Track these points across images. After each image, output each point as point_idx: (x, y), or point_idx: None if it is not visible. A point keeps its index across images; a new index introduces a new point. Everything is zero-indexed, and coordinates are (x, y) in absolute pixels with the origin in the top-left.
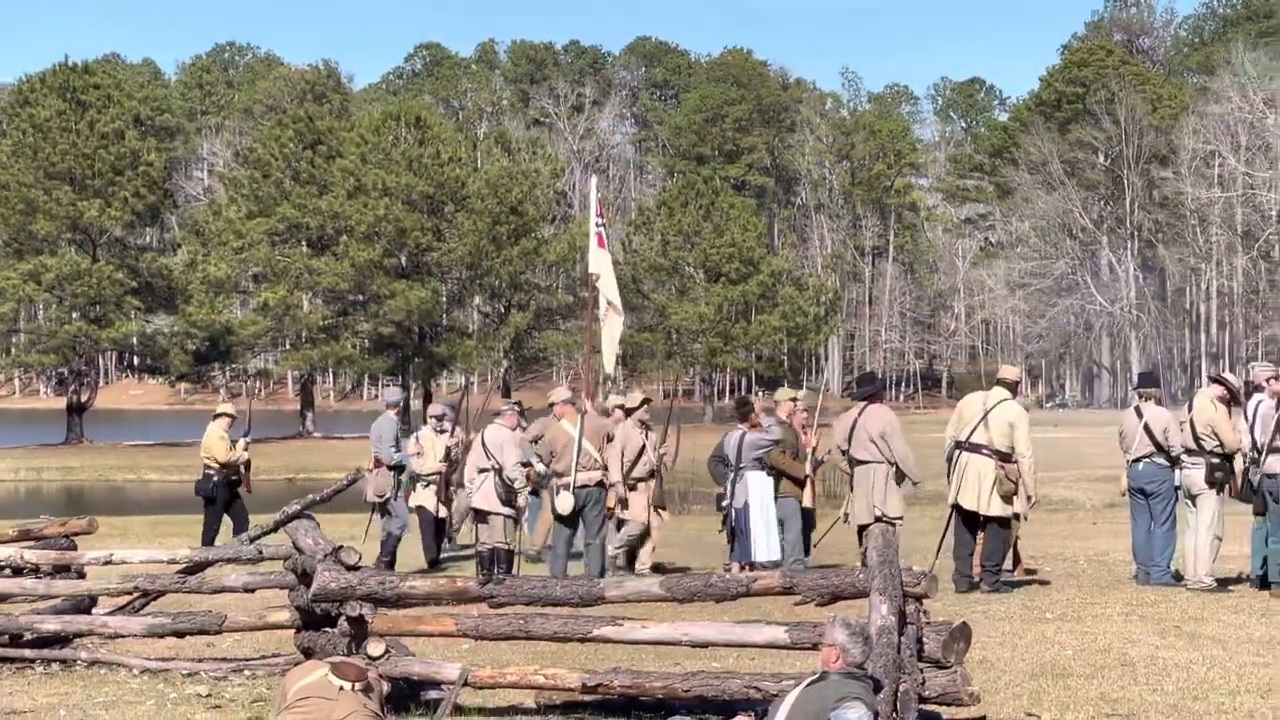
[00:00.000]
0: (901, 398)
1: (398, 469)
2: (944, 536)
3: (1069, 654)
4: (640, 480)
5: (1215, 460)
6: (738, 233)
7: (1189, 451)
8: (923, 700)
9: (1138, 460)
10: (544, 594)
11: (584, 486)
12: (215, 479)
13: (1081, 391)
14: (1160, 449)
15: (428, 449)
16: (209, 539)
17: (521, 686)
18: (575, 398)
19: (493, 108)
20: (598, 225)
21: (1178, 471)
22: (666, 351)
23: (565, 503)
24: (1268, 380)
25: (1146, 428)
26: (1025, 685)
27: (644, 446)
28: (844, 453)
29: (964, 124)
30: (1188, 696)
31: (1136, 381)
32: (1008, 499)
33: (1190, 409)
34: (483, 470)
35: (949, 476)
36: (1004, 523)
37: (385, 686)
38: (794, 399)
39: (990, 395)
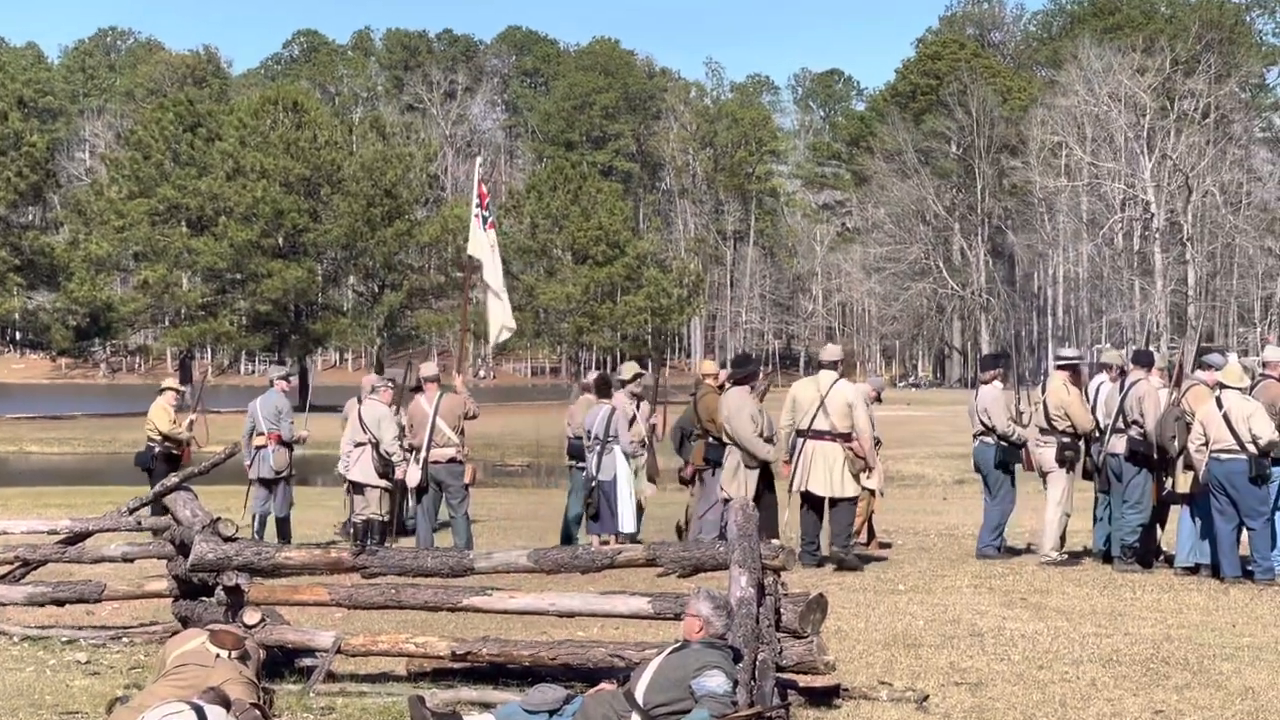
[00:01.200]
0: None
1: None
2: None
3: (920, 625)
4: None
5: (1066, 440)
6: (604, 216)
7: (1041, 430)
8: (780, 669)
9: (974, 438)
10: (415, 565)
11: (435, 462)
12: (155, 450)
13: (934, 371)
14: (988, 429)
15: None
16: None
17: (393, 654)
18: (442, 374)
19: (368, 93)
20: (478, 211)
21: (995, 449)
22: (535, 330)
23: (412, 475)
24: (1109, 368)
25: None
26: (878, 655)
27: (634, 417)
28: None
29: (823, 113)
30: (1033, 666)
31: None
32: (857, 477)
33: (1043, 390)
34: (359, 444)
35: (793, 463)
36: (853, 501)
37: (261, 654)
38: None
39: (821, 380)
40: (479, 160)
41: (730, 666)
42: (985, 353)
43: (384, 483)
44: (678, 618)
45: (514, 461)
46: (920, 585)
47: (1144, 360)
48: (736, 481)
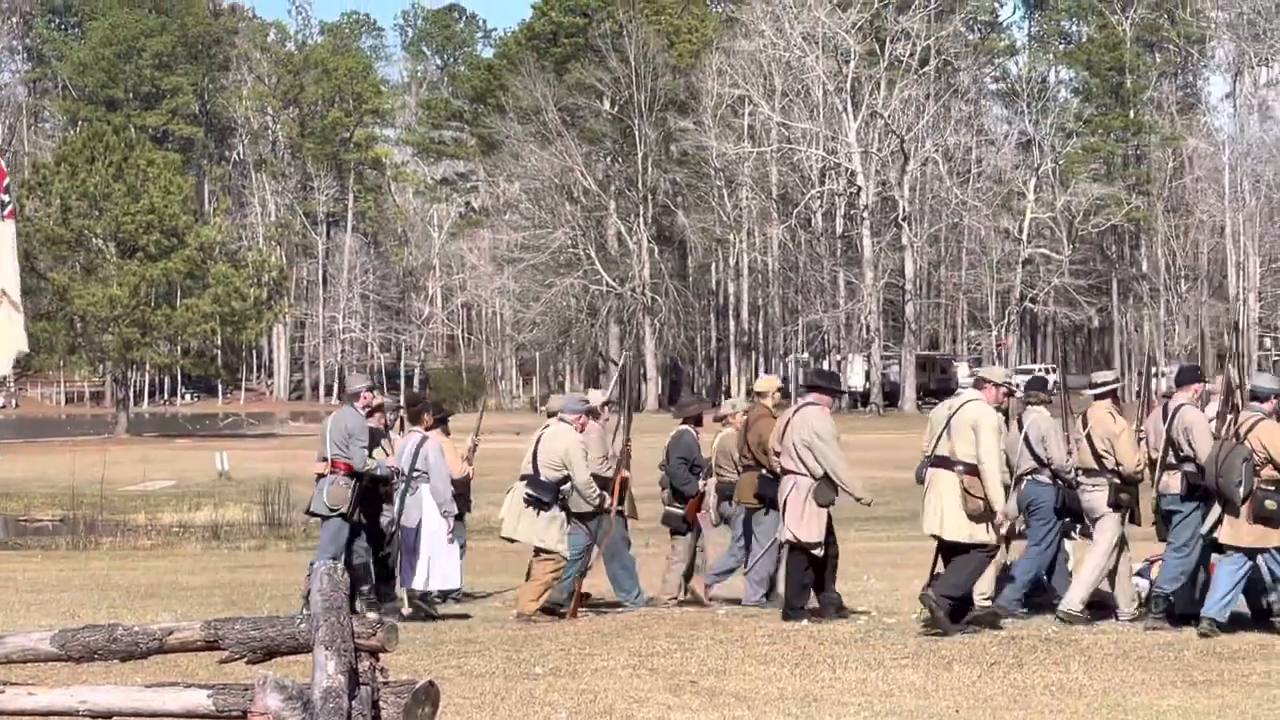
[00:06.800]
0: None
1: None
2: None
3: (562, 717)
4: None
5: (1118, 480)
6: (158, 196)
7: (1085, 471)
8: None
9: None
10: None
11: None
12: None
13: (585, 390)
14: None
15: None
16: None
17: None
18: None
19: None
20: None
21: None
22: (69, 345)
23: None
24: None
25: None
26: None
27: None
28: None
29: (439, 61)
30: None
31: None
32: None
33: (1083, 422)
34: None
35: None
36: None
37: None
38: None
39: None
40: None
41: None
42: (1030, 373)
43: None
44: (246, 716)
45: (43, 515)
46: (563, 667)
47: (1188, 379)
48: (806, 522)
